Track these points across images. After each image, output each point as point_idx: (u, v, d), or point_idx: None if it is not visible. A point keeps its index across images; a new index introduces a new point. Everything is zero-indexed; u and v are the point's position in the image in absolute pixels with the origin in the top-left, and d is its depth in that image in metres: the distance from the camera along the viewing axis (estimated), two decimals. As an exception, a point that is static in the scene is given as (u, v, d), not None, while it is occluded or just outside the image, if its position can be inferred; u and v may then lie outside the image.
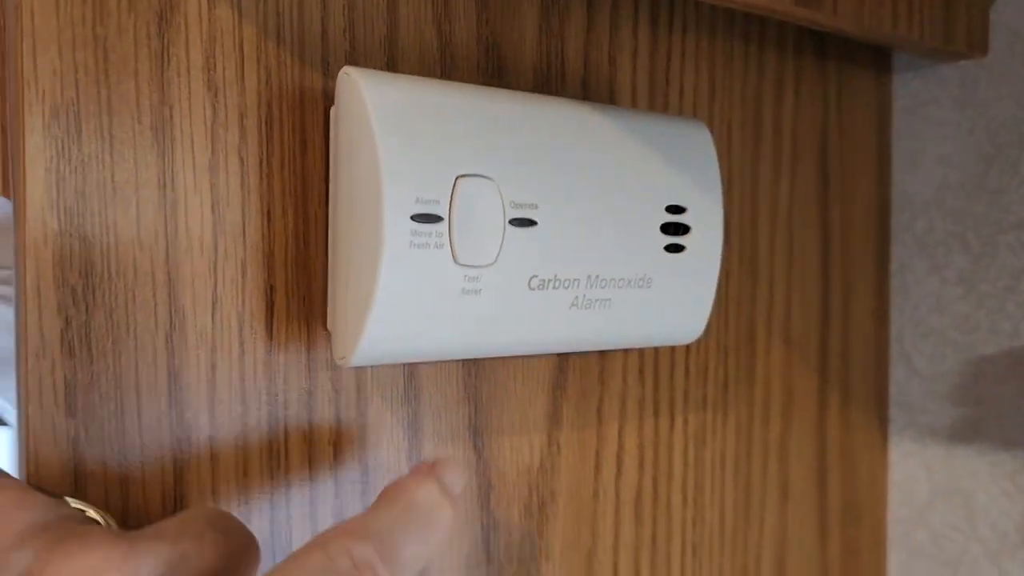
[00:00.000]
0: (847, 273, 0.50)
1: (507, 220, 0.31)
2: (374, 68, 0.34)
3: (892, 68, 0.52)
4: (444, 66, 0.36)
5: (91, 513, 0.27)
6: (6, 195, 0.39)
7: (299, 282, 0.32)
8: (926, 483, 0.50)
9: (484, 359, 0.36)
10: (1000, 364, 0.47)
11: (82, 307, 0.28)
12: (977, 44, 0.47)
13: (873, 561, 0.52)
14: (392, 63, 0.34)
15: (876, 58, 0.51)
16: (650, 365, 0.42)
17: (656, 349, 0.42)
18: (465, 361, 0.36)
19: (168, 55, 0.30)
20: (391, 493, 0.26)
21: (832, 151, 0.49)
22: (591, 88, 0.40)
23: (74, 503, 0.27)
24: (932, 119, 0.50)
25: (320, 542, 0.24)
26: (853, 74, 0.50)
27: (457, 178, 0.29)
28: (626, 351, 0.41)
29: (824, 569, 0.50)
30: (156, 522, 0.26)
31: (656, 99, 0.42)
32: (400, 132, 0.29)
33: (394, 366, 0.34)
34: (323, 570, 0.23)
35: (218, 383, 0.31)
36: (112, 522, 0.27)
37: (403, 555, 0.25)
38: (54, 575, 0.22)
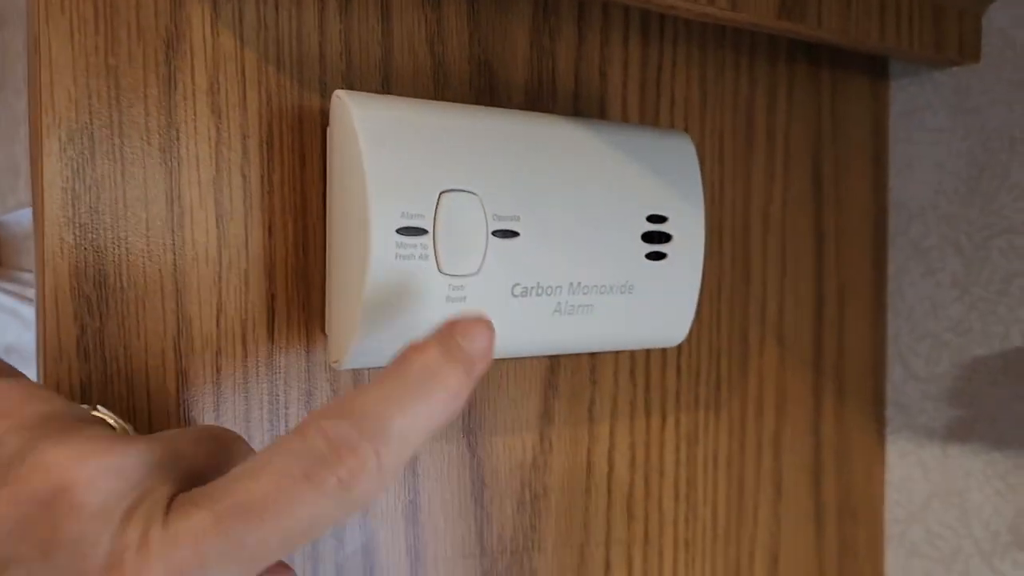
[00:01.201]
0: (842, 276, 0.51)
1: (490, 232, 0.32)
2: (370, 89, 0.36)
3: (889, 73, 0.53)
4: (437, 85, 0.38)
5: (109, 420, 0.27)
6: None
7: (299, 290, 0.34)
8: (923, 482, 0.51)
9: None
10: (993, 366, 0.48)
11: (96, 315, 0.31)
12: (969, 51, 0.48)
13: (870, 559, 0.53)
14: (387, 83, 0.36)
15: (872, 64, 0.52)
16: (641, 366, 0.43)
17: (647, 350, 0.43)
18: (458, 363, 0.38)
19: (175, 80, 0.32)
20: (390, 366, 0.25)
21: (826, 156, 0.50)
22: (582, 102, 0.41)
23: (92, 410, 0.27)
24: (927, 124, 0.51)
25: (298, 426, 0.23)
26: (848, 80, 0.51)
27: (441, 193, 0.31)
28: (617, 352, 0.42)
29: (820, 566, 0.51)
30: None
31: (647, 110, 0.44)
32: (387, 151, 0.31)
33: (390, 368, 0.36)
34: (295, 453, 0.22)
35: (222, 384, 0.33)
36: (129, 429, 0.28)
37: (390, 429, 0.23)
38: (36, 459, 0.22)
